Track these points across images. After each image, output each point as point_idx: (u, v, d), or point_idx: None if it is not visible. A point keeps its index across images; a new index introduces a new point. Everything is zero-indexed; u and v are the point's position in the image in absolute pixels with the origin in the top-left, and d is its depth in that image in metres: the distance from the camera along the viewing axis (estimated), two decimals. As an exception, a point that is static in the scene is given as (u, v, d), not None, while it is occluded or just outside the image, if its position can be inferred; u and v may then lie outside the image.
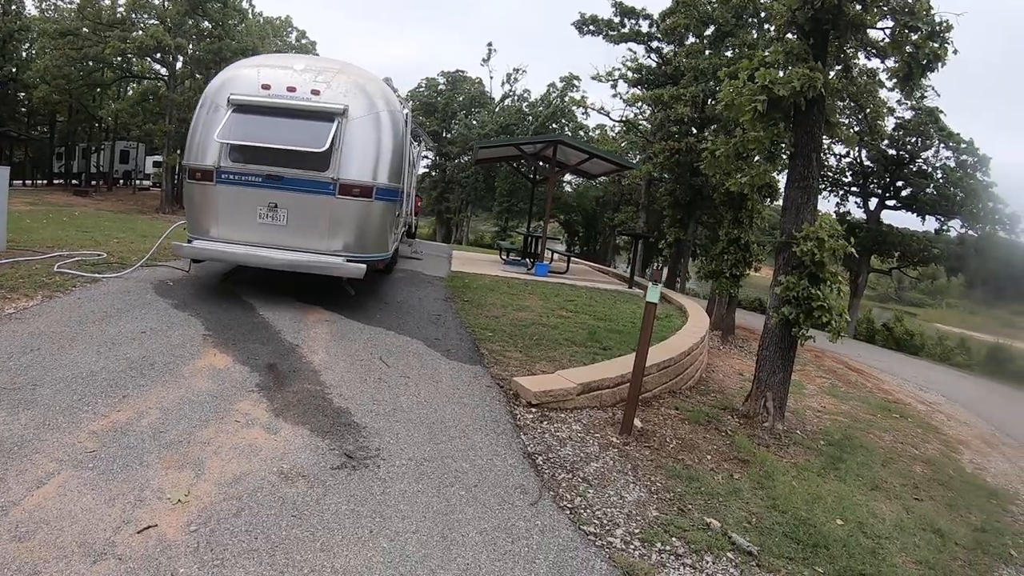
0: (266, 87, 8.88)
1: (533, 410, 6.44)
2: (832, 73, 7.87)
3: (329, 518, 4.19)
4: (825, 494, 6.02)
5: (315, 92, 8.85)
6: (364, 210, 8.94)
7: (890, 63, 7.65)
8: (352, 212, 8.89)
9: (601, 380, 6.99)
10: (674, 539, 4.65)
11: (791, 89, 6.91)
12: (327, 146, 8.43)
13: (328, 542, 3.93)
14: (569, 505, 4.86)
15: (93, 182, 45.31)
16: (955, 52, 7.20)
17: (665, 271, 20.78)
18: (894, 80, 7.70)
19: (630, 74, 30.88)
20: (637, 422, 6.53)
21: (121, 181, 48.67)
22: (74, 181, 33.79)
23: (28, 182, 38.21)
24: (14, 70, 39.57)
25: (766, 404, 7.90)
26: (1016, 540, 6.28)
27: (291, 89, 8.84)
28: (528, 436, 5.89)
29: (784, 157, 8.09)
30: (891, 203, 34.16)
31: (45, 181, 41.24)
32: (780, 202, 16.48)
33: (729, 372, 12.05)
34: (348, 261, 8.73)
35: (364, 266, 8.67)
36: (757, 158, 8.51)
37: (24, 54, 41.43)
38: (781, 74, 7.14)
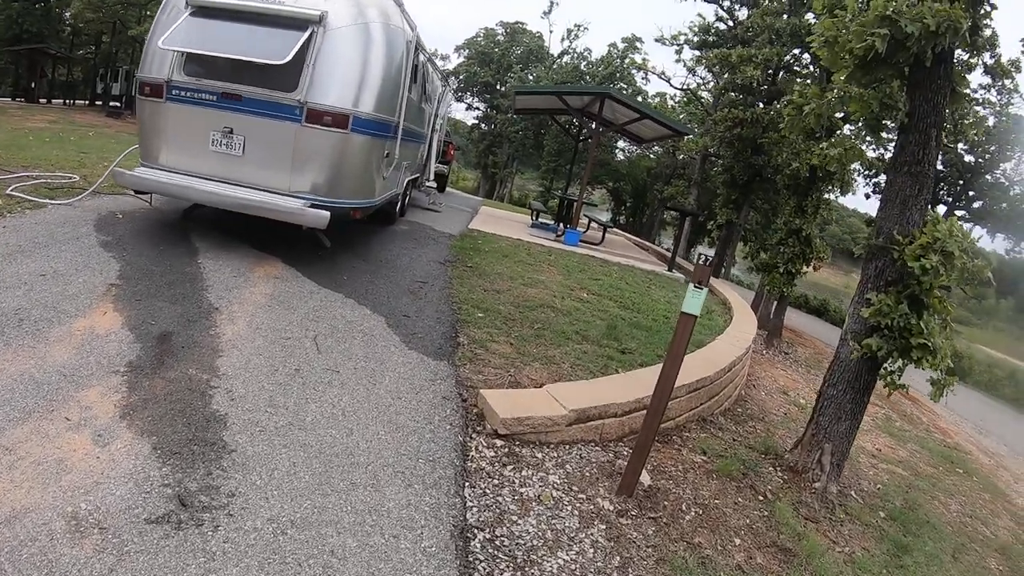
0: None
1: (498, 443, 4.54)
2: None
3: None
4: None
5: None
6: (338, 144, 7.10)
7: None
8: (322, 145, 7.07)
9: (606, 406, 5.07)
10: None
11: (922, 28, 4.83)
12: (288, 58, 6.63)
13: None
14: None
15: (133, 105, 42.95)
16: None
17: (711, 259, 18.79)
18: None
19: (695, 39, 28.61)
20: (645, 476, 4.62)
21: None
22: (113, 103, 32.41)
23: (69, 101, 37.02)
24: (57, -13, 38.18)
25: (821, 459, 5.98)
26: None
27: None
28: (476, 491, 3.97)
29: (889, 128, 5.97)
30: (960, 214, 31.26)
31: (86, 101, 40.09)
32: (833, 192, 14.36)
33: (772, 388, 10.11)
34: (310, 206, 6.96)
35: (327, 214, 6.87)
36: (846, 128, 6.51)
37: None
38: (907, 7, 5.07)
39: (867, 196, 24.94)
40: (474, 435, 4.57)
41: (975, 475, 9.52)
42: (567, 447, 4.80)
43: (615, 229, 21.70)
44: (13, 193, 8.00)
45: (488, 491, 3.98)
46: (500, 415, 4.55)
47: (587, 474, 4.53)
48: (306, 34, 6.82)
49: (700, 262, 3.88)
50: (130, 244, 7.02)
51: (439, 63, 56.34)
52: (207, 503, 3.33)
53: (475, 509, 3.78)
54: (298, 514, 3.40)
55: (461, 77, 53.77)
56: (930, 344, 5.15)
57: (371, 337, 5.87)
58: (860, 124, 16.26)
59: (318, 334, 5.65)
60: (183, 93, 7.20)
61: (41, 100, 33.24)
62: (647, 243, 21.40)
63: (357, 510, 3.53)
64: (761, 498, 5.28)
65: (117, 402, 4.09)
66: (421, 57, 9.86)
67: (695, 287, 3.91)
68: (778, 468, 6.08)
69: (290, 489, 3.57)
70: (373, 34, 7.22)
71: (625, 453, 5.05)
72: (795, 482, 5.90)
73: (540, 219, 16.91)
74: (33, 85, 33.88)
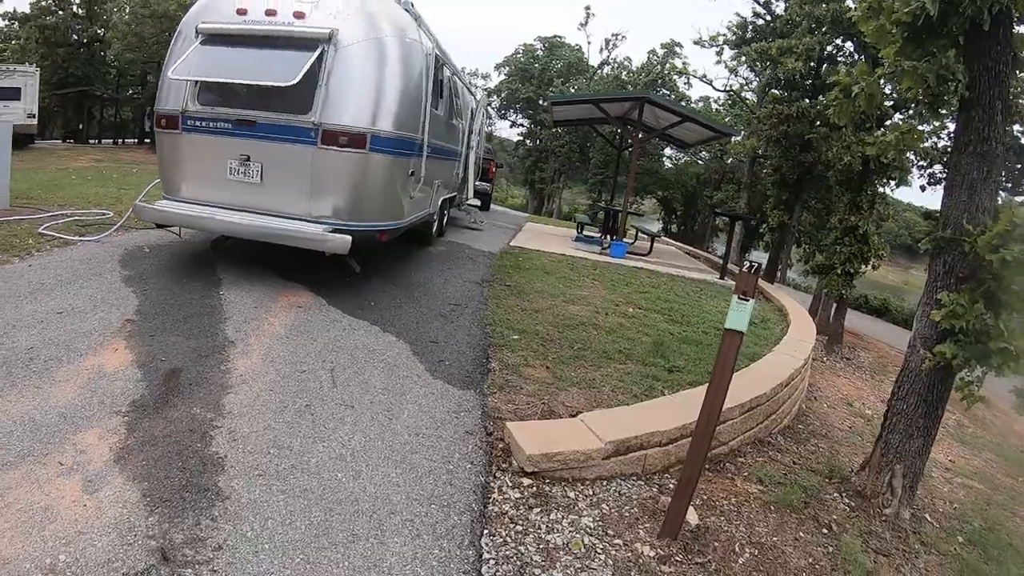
0: (242, 12, 6.99)
1: (525, 482, 4.07)
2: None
3: None
4: None
5: (298, 15, 6.88)
6: (357, 165, 6.80)
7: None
8: (340, 167, 6.79)
9: (649, 435, 4.58)
10: None
11: (977, -15, 4.29)
12: (296, 80, 6.34)
13: None
14: None
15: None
16: None
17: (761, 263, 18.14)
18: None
19: (734, 38, 27.90)
20: (692, 514, 4.13)
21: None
22: (158, 140, 33.36)
23: (119, 141, 38.03)
24: (100, 31, 39.11)
25: (892, 481, 5.37)
26: None
27: (270, 12, 6.92)
28: (495, 540, 3.50)
29: (949, 105, 5.36)
30: (1020, 199, 29.71)
31: (136, 140, 40.96)
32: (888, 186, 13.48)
33: (835, 399, 9.47)
34: (332, 231, 6.66)
35: (349, 239, 6.55)
36: (897, 117, 5.92)
37: (109, 16, 41.07)
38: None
39: (922, 188, 23.90)
40: (499, 474, 4.12)
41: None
42: (604, 483, 4.32)
43: (665, 239, 21.09)
44: (44, 232, 8.00)
45: (509, 539, 3.52)
46: (527, 451, 4.09)
47: (626, 514, 4.05)
48: (315, 54, 6.54)
49: (746, 269, 3.38)
50: (153, 278, 6.87)
51: (480, 82, 56.69)
52: (191, 557, 2.98)
53: (492, 562, 3.31)
54: (287, 571, 3.01)
55: (503, 95, 53.71)
56: (1012, 348, 4.55)
57: (393, 367, 5.48)
58: (912, 109, 15.46)
59: (336, 366, 5.29)
60: (198, 123, 7.04)
61: (91, 141, 34.09)
62: (698, 251, 20.74)
63: (354, 566, 3.12)
64: (825, 531, 4.72)
65: (113, 445, 3.83)
66: (446, 72, 9.54)
67: (739, 299, 3.41)
68: (844, 494, 5.49)
69: (283, 542, 3.19)
70: (388, 49, 6.92)
71: (671, 486, 4.55)
72: (863, 509, 5.31)
73: (585, 232, 16.41)
74: (81, 126, 34.74)
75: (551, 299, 8.48)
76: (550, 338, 6.82)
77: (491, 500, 3.84)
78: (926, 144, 14.22)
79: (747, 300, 3.40)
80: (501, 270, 9.95)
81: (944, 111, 5.24)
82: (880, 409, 9.83)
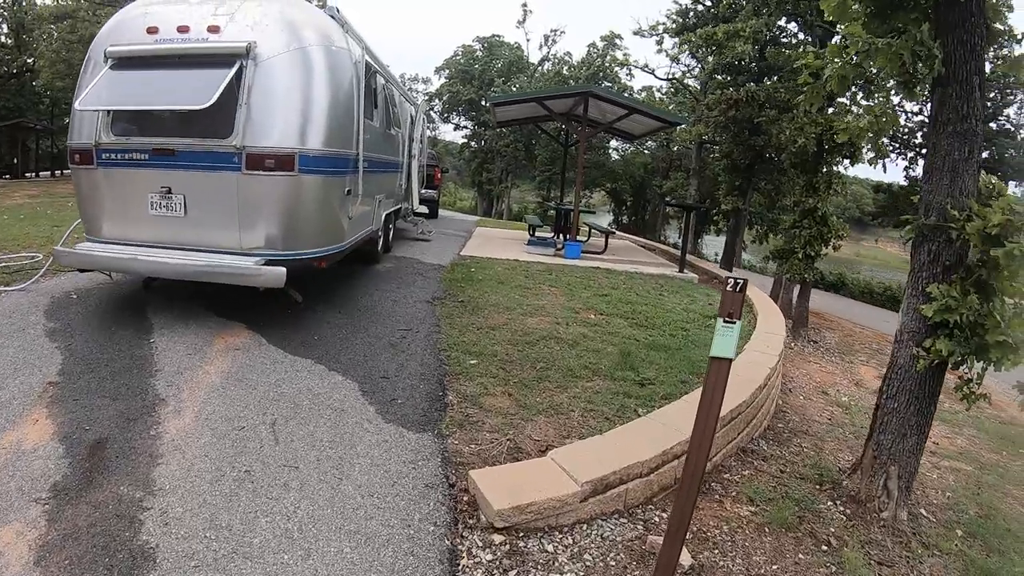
0: (152, 31, 6.39)
1: (496, 540, 3.59)
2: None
3: None
4: None
5: (213, 29, 6.31)
6: (287, 189, 6.26)
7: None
8: (269, 193, 6.25)
9: (627, 468, 4.14)
10: None
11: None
12: (212, 101, 5.76)
13: None
14: None
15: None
16: None
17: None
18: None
19: (674, 26, 27.73)
20: (684, 554, 3.69)
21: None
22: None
23: (57, 173, 36.63)
24: (29, 60, 37.64)
25: (887, 484, 5.04)
26: None
27: (183, 29, 6.34)
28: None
29: (925, 84, 5.00)
30: (1013, 184, 29.94)
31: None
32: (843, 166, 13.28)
33: (809, 389, 9.19)
34: (267, 263, 6.12)
35: (283, 271, 6.01)
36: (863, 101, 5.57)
37: (37, 45, 39.65)
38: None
39: (871, 163, 23.91)
40: (466, 533, 3.63)
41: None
42: (584, 527, 3.87)
43: (618, 233, 20.75)
44: (-38, 282, 7.19)
45: (486, 616, 3.06)
46: (495, 506, 3.61)
47: (612, 563, 3.60)
48: (232, 70, 5.98)
49: (730, 287, 2.95)
50: (80, 329, 6.27)
51: (420, 87, 56.06)
52: None
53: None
54: None
55: (444, 98, 53.13)
56: (1010, 340, 4.21)
57: (341, 413, 4.94)
58: (859, 88, 15.31)
59: (277, 418, 4.76)
60: (114, 156, 6.44)
61: (28, 174, 32.70)
62: (653, 243, 20.47)
63: None
64: (825, 547, 4.36)
65: (33, 542, 3.31)
66: (380, 79, 9.01)
67: (725, 323, 2.98)
68: (838, 500, 5.15)
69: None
70: (313, 60, 6.39)
71: (656, 520, 4.14)
72: (860, 516, 4.97)
73: (537, 234, 15.95)
74: (16, 160, 33.39)
75: (507, 313, 8.02)
76: (510, 359, 6.35)
77: (460, 567, 3.36)
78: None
79: (733, 323, 2.96)
80: (453, 284, 9.44)
81: (918, 92, 4.87)
82: (855, 394, 9.61)
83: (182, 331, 6.34)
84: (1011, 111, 27.34)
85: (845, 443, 6.92)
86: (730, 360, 3.08)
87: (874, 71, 4.64)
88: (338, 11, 7.24)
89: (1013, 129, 25.63)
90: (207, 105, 5.72)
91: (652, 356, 6.85)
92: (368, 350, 6.35)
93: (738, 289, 2.94)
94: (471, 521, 3.73)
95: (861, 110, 5.86)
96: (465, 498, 3.92)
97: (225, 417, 4.73)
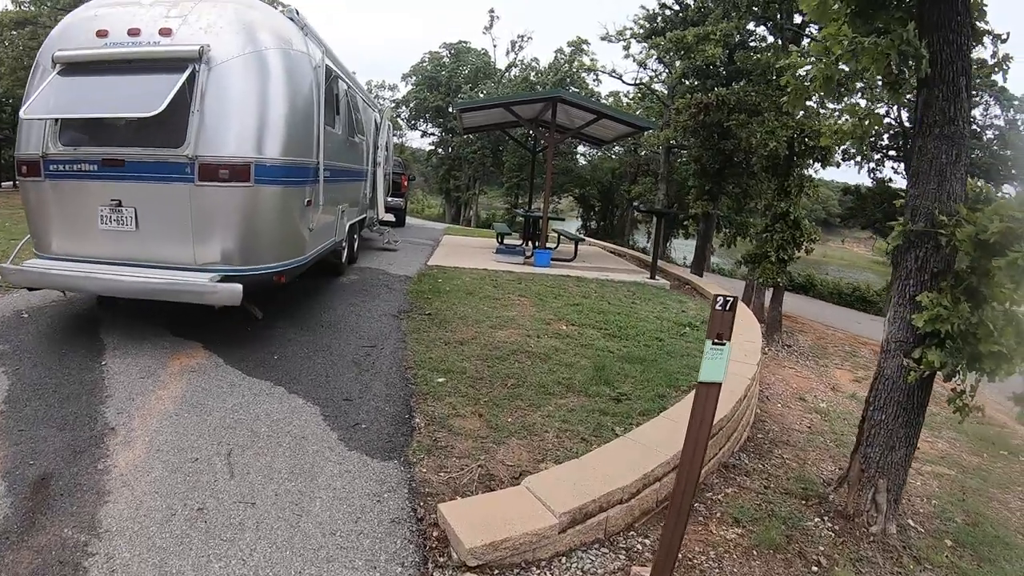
0: (102, 34, 6.05)
1: (470, 581, 3.35)
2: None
3: None
4: None
5: (165, 32, 5.98)
6: (243, 200, 5.95)
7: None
8: (223, 205, 5.93)
9: (607, 495, 3.88)
10: None
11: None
12: (162, 108, 5.45)
13: None
14: None
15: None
16: None
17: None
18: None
19: (641, 31, 27.66)
20: (673, 589, 3.44)
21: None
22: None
23: (20, 183, 35.71)
24: (-8, 68, 36.71)
25: (875, 498, 4.87)
26: None
27: (134, 32, 6.00)
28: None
29: (911, 85, 4.81)
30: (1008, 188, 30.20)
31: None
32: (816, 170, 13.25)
33: (786, 395, 9.05)
34: (223, 279, 5.80)
35: (239, 288, 5.69)
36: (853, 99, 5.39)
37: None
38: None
39: (837, 165, 23.99)
40: (436, 573, 3.34)
41: (1021, 453, 8.61)
42: (563, 560, 3.60)
43: (588, 239, 20.54)
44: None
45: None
46: (467, 544, 3.32)
47: (595, 599, 3.36)
48: (184, 75, 5.66)
49: (719, 306, 2.70)
50: (29, 352, 5.89)
51: (387, 93, 55.65)
52: None
53: None
54: None
55: (411, 105, 52.80)
56: (1004, 349, 4.03)
57: (301, 440, 4.62)
58: (826, 90, 15.22)
59: (233, 448, 4.43)
60: (62, 167, 6.09)
61: (-9, 186, 31.79)
62: (623, 249, 20.29)
63: None
64: (815, 568, 4.17)
65: None
66: (342, 84, 8.69)
67: (714, 345, 2.73)
68: (825, 516, 4.96)
69: None
70: (270, 64, 6.09)
71: (638, 548, 3.90)
72: (849, 532, 4.79)
73: (506, 242, 15.68)
74: (-23, 172, 32.49)
75: (476, 326, 7.74)
76: (479, 376, 6.07)
77: (429, 615, 3.09)
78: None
79: (723, 344, 2.72)
80: (420, 296, 9.13)
81: (903, 92, 4.69)
82: (833, 400, 9.48)
83: (136, 352, 6.00)
84: (977, 112, 27.65)
85: (827, 452, 6.78)
86: (719, 384, 2.85)
87: (859, 71, 4.42)
88: (298, 13, 6.93)
89: (979, 130, 25.84)
90: (156, 113, 5.40)
91: (627, 369, 6.62)
92: (331, 369, 6.03)
93: (728, 308, 2.70)
94: (441, 559, 3.44)
95: (843, 113, 5.68)
96: (435, 533, 3.63)
97: (177, 448, 4.40)
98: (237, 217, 5.96)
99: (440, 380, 5.87)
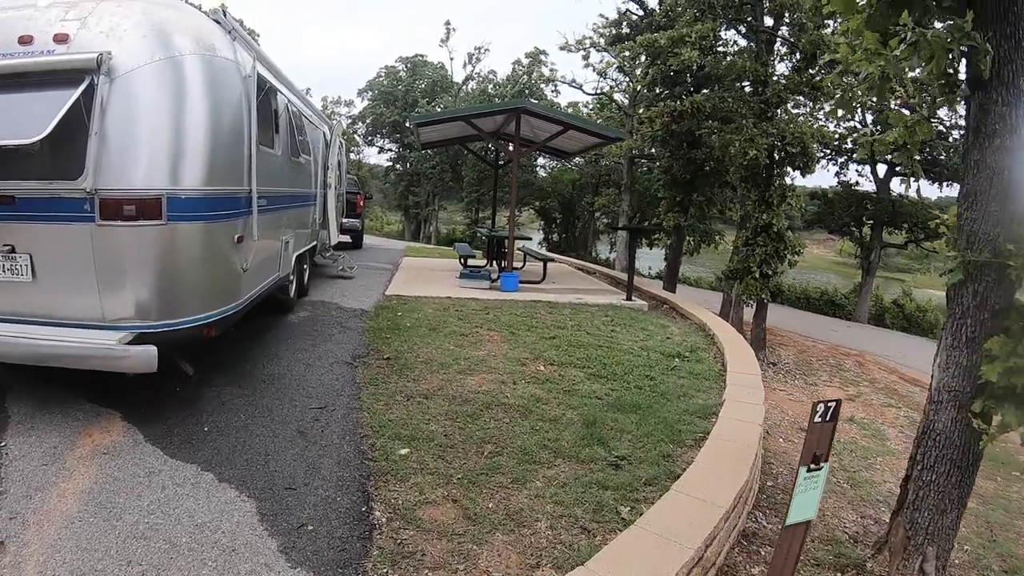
0: None
1: None
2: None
3: None
4: None
5: (60, 39, 4.89)
6: (155, 241, 4.88)
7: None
8: (132, 247, 4.88)
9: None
10: None
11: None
12: (46, 132, 4.41)
13: None
14: None
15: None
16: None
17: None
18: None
19: (602, 39, 27.04)
20: None
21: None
22: None
23: None
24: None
25: (923, 566, 4.11)
26: None
27: (25, 40, 4.91)
28: None
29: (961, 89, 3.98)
30: (902, 169, 29.97)
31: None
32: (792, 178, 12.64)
33: (784, 426, 8.37)
34: (135, 338, 4.78)
35: (153, 351, 4.65)
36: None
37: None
38: None
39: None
40: None
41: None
42: None
43: (555, 256, 19.63)
44: None
45: None
46: None
47: None
48: (77, 90, 4.61)
49: (819, 417, 1.80)
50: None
51: (343, 109, 54.47)
52: None
53: None
54: None
55: (368, 120, 51.76)
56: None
57: (231, 554, 3.58)
58: (805, 96, 14.62)
59: (146, 570, 3.42)
60: None
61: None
62: (591, 266, 19.33)
63: None
64: None
65: None
66: (281, 98, 7.62)
67: (809, 472, 1.83)
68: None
69: None
70: (187, 73, 5.04)
71: None
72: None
73: (470, 265, 14.67)
74: None
75: (443, 371, 6.76)
76: (450, 442, 5.09)
77: None
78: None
79: (820, 469, 1.82)
80: (377, 336, 8.08)
81: (958, 96, 3.85)
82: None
83: (43, 427, 4.93)
84: (942, 112, 27.21)
85: (843, 496, 6.24)
86: (809, 523, 1.94)
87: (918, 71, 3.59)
88: (225, 14, 5.85)
89: (945, 131, 25.46)
90: (38, 139, 4.37)
91: (621, 421, 5.71)
92: (271, 443, 4.97)
93: (829, 417, 1.80)
94: None
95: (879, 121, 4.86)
96: None
97: (77, 571, 3.38)
98: (149, 262, 4.90)
99: (403, 451, 4.87)
